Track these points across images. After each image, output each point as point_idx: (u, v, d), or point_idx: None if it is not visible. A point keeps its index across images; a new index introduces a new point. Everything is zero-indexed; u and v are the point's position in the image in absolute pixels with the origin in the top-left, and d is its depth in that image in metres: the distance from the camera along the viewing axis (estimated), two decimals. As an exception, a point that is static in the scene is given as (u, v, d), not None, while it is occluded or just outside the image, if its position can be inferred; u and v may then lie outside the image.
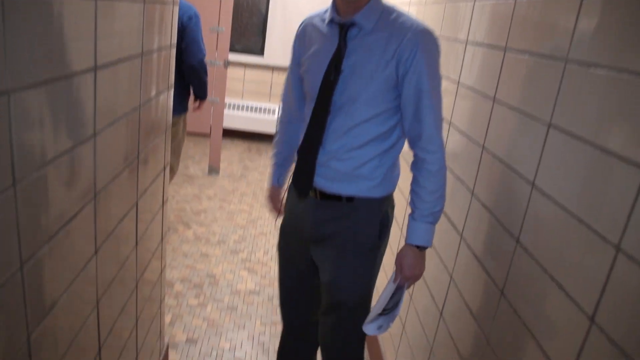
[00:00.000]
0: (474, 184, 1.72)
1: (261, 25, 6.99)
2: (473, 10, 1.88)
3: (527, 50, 1.42)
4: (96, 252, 1.31)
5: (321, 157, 1.76)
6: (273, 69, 6.98)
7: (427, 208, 1.66)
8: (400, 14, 1.66)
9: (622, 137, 0.98)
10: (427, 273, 1.91)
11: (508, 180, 1.47)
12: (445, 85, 1.99)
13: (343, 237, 1.80)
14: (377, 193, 1.76)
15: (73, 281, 1.17)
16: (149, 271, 1.95)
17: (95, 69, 1.18)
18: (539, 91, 1.32)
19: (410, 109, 1.65)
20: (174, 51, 1.97)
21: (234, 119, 6.73)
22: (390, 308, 1.74)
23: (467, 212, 1.75)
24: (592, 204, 1.06)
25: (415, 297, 2.22)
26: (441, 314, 1.87)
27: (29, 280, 0.95)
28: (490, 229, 1.54)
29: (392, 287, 1.72)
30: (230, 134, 6.92)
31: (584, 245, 1.06)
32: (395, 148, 1.76)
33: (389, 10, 1.67)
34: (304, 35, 1.83)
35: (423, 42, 1.60)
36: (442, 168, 1.66)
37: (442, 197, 1.68)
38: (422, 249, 1.70)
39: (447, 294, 1.84)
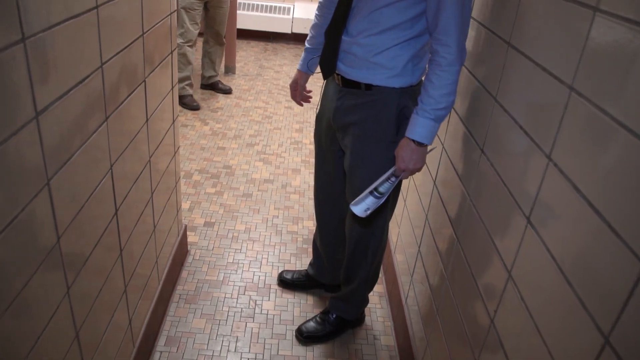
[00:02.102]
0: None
1: None
2: None
3: None
4: (106, 119, 1.43)
5: (345, 41, 1.78)
6: (287, -35, 6.86)
7: (430, 103, 1.60)
8: None
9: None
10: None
11: (488, 40, 1.54)
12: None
13: (361, 127, 1.84)
14: (395, 83, 1.74)
15: (85, 142, 1.30)
16: (162, 148, 2.08)
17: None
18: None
19: None
20: None
21: (248, 19, 6.68)
22: (381, 193, 1.75)
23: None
24: (548, 47, 1.15)
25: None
26: (434, 181, 2.00)
27: (44, 130, 1.07)
28: (475, 94, 1.63)
29: (390, 172, 1.75)
30: (246, 34, 6.89)
31: (544, 87, 1.15)
32: (419, 39, 1.71)
33: None
34: None
35: None
36: (453, 64, 1.56)
37: (448, 95, 1.59)
38: (419, 144, 1.66)
39: (439, 162, 1.96)
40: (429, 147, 1.71)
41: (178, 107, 2.32)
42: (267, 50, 6.61)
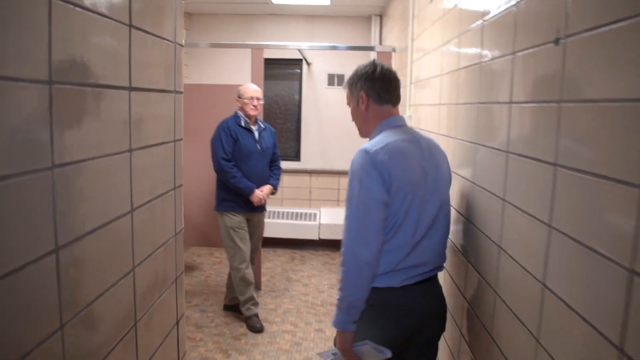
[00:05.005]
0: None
1: (295, 130, 6.96)
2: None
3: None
4: None
5: None
6: (311, 173, 6.88)
7: (338, 294, 1.82)
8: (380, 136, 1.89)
9: None
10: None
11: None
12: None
13: None
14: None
15: None
16: None
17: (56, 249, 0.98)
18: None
19: None
20: (180, 191, 1.79)
21: (274, 227, 6.54)
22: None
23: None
24: None
25: None
26: None
27: None
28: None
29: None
30: (272, 242, 6.71)
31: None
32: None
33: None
34: None
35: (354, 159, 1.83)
36: (343, 264, 1.78)
37: (343, 289, 1.79)
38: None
39: None
40: (356, 345, 1.80)
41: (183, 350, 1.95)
42: (294, 260, 6.36)
